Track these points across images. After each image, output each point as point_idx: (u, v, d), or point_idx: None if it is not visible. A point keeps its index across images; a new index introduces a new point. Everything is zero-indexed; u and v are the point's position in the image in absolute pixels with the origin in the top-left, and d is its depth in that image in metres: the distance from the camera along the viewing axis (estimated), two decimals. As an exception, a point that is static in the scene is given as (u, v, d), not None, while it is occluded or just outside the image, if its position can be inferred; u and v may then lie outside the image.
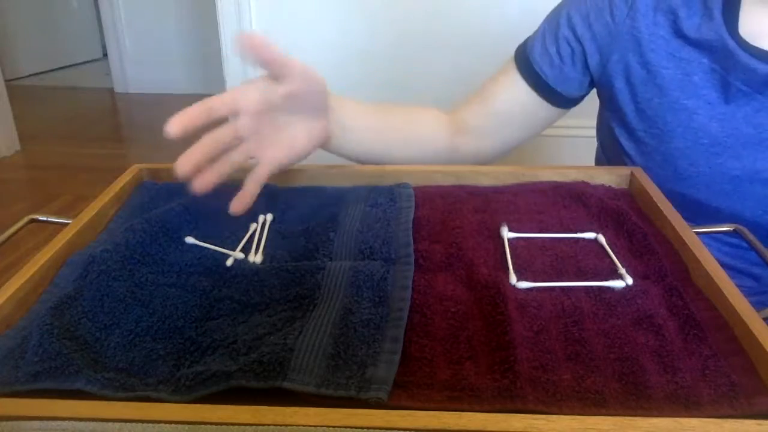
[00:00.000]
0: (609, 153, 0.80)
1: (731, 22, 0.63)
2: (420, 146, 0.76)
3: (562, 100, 0.76)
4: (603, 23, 0.70)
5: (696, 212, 0.70)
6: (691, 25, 0.65)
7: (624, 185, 0.67)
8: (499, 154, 0.81)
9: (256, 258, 0.53)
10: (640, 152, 0.71)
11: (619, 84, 0.71)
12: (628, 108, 0.71)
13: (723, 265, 0.71)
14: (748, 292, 0.72)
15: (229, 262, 0.52)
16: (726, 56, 0.63)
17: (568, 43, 0.72)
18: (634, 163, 0.72)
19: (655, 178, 0.69)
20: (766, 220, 0.68)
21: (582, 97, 0.78)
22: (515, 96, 0.76)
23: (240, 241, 0.55)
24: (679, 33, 0.66)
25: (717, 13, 0.64)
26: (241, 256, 0.53)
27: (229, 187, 0.63)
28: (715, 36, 0.63)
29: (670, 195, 0.69)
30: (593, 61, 0.72)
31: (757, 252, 0.57)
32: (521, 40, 0.79)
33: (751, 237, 0.58)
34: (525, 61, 0.75)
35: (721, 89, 0.65)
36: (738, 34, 0.63)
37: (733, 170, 0.66)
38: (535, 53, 0.74)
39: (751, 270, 0.72)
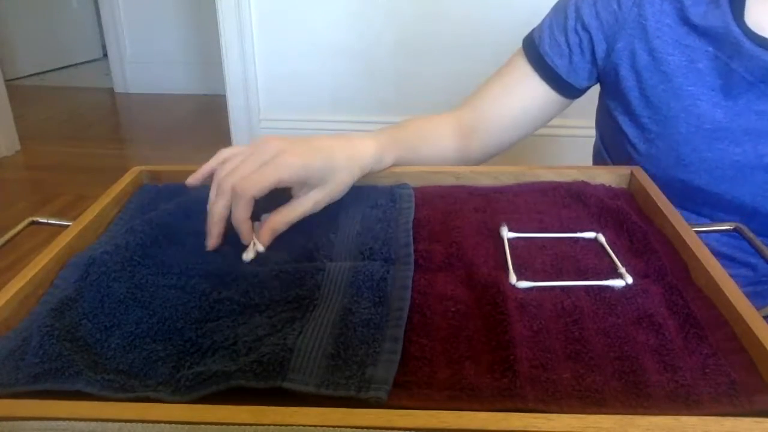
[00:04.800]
0: (609, 144, 0.80)
1: (737, 10, 0.64)
2: (434, 160, 0.76)
3: (571, 90, 0.77)
4: (610, 11, 0.71)
5: (697, 199, 0.70)
6: (696, 13, 0.66)
7: (624, 185, 0.67)
8: (502, 152, 0.82)
9: (257, 247, 0.53)
10: (644, 139, 0.72)
11: (624, 71, 0.71)
12: (633, 94, 0.72)
13: (720, 255, 0.72)
14: (743, 282, 0.73)
15: (247, 257, 0.53)
16: (730, 44, 0.64)
17: (576, 33, 0.73)
18: (636, 151, 0.72)
19: (658, 164, 0.70)
20: (767, 206, 0.68)
21: (589, 87, 0.79)
22: (527, 90, 0.77)
23: (238, 241, 0.55)
24: (685, 21, 0.67)
25: (724, 1, 0.65)
26: (261, 248, 0.53)
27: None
28: (720, 24, 0.64)
29: (672, 182, 0.69)
30: (600, 49, 0.73)
31: (756, 250, 0.57)
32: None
33: (750, 235, 0.59)
34: (535, 54, 0.76)
35: (724, 77, 0.66)
36: (744, 22, 0.64)
37: (735, 155, 0.67)
38: (545, 45, 0.75)
39: (748, 260, 0.73)
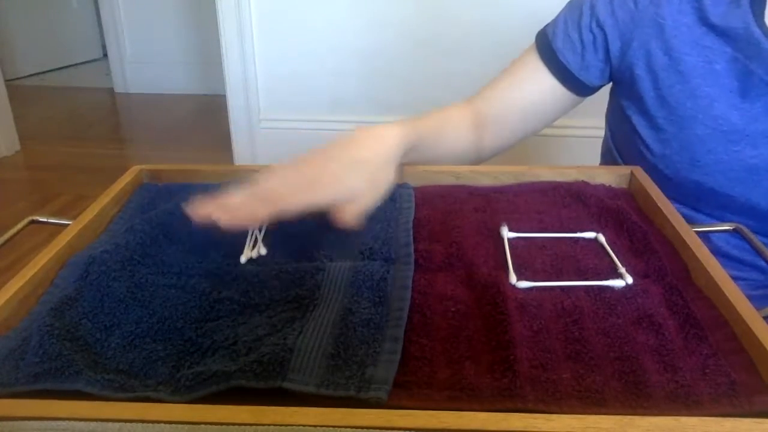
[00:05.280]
0: (621, 143, 0.80)
1: (758, 10, 0.64)
2: (452, 154, 0.75)
3: (583, 88, 0.76)
4: (626, 10, 0.70)
5: (709, 201, 0.70)
6: (716, 13, 0.65)
7: (624, 185, 0.67)
8: (514, 145, 0.81)
9: (261, 250, 0.53)
10: (658, 140, 0.71)
11: (640, 71, 0.71)
12: (648, 95, 0.71)
13: (729, 257, 0.72)
14: (753, 285, 0.72)
15: (243, 259, 0.53)
16: (750, 45, 0.63)
17: (591, 30, 0.73)
18: (650, 152, 0.72)
19: (672, 165, 0.70)
20: None
21: (601, 86, 0.78)
22: (537, 85, 0.76)
23: (238, 241, 0.55)
24: (703, 21, 0.66)
25: (745, 2, 0.64)
26: (263, 251, 0.54)
27: (228, 186, 0.63)
28: (741, 24, 0.64)
29: (685, 183, 0.69)
30: (614, 48, 0.72)
31: (756, 250, 0.57)
32: (532, 42, 0.79)
33: (750, 236, 0.58)
34: (548, 50, 0.75)
35: (743, 78, 0.65)
36: (764, 23, 0.63)
37: (751, 158, 0.66)
38: (558, 40, 0.75)
39: (758, 263, 0.72)
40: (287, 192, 0.52)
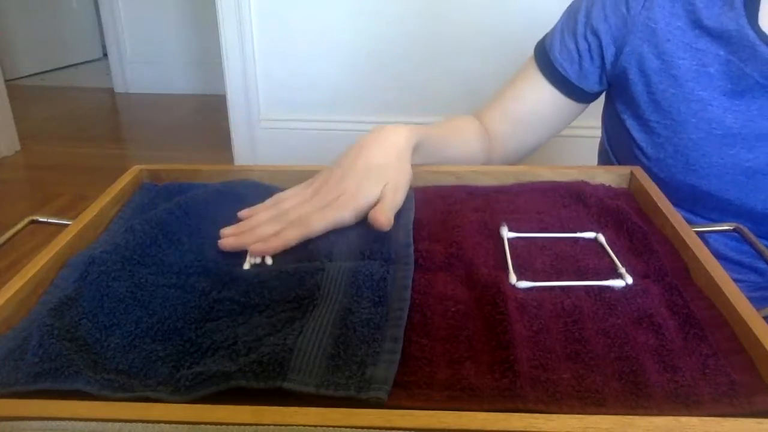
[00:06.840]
0: (616, 146, 0.80)
1: (752, 12, 0.63)
2: (466, 158, 0.76)
3: (583, 95, 0.76)
4: (618, 15, 0.70)
5: (705, 204, 0.70)
6: (709, 15, 0.65)
7: (624, 185, 0.67)
8: (525, 156, 0.82)
9: (267, 260, 0.53)
10: (652, 143, 0.72)
11: (633, 75, 0.71)
12: (642, 99, 0.71)
13: (727, 259, 0.72)
14: (751, 287, 0.72)
15: (246, 266, 0.52)
16: (745, 47, 0.63)
17: (585, 38, 0.73)
18: (645, 155, 0.72)
19: (666, 169, 0.70)
20: None
21: (602, 91, 0.78)
22: (538, 96, 0.77)
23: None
24: (696, 23, 0.66)
25: (738, 3, 0.64)
26: (269, 261, 0.53)
27: (228, 186, 0.63)
28: (735, 26, 0.64)
29: (681, 186, 0.69)
30: (609, 53, 0.72)
31: (757, 251, 0.57)
32: (531, 42, 0.79)
33: (751, 237, 0.58)
34: (545, 59, 0.76)
35: (737, 81, 0.65)
36: (758, 25, 0.63)
37: (746, 162, 0.66)
38: (555, 50, 0.75)
39: (756, 265, 0.72)
40: (313, 212, 0.55)
